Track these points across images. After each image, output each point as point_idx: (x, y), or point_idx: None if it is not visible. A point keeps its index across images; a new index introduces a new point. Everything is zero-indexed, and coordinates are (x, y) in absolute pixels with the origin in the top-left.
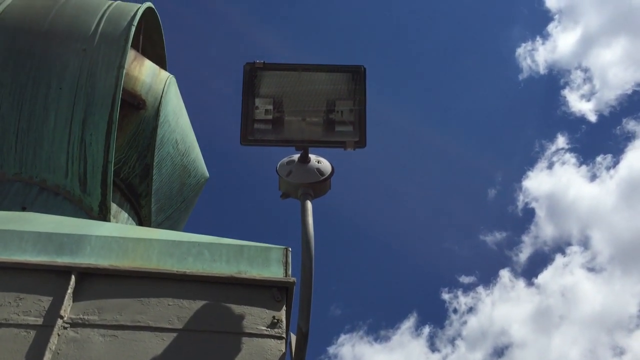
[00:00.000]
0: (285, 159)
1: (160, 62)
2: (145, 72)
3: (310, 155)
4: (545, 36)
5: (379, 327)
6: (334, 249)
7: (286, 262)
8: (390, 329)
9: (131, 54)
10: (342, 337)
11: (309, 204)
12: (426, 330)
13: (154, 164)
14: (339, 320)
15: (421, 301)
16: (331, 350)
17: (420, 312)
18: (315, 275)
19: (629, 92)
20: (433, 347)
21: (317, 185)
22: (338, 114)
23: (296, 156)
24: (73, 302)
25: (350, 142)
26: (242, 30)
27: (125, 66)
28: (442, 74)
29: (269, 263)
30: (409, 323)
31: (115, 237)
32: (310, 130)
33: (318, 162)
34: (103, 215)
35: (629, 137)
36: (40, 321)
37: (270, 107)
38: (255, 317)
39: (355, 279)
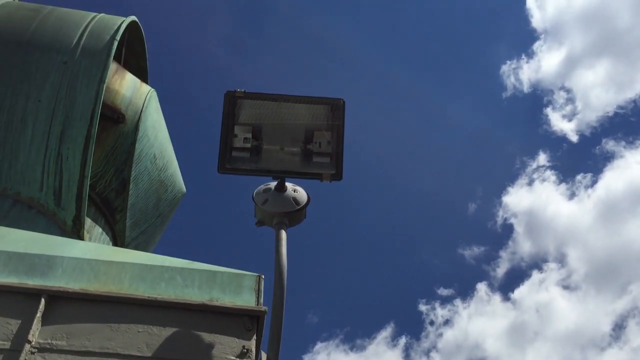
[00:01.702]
0: (262, 187)
1: (142, 73)
2: (126, 86)
3: (287, 184)
4: (530, 55)
5: (355, 335)
6: (313, 256)
7: (258, 290)
8: (367, 338)
9: (112, 66)
10: (319, 345)
11: (283, 234)
12: (402, 341)
13: (131, 178)
14: (316, 328)
15: (399, 312)
16: (307, 358)
17: (397, 322)
18: (294, 282)
19: (610, 114)
20: (408, 359)
21: (293, 215)
22: (316, 145)
23: (273, 184)
24: (42, 326)
25: (326, 174)
26: (227, 45)
27: (106, 80)
28: (427, 88)
29: (241, 290)
30: (385, 333)
31: (87, 259)
32: (288, 160)
33: (294, 192)
34: (77, 229)
35: (607, 157)
36: (7, 345)
37: (249, 135)
38: (225, 347)
39: (334, 287)
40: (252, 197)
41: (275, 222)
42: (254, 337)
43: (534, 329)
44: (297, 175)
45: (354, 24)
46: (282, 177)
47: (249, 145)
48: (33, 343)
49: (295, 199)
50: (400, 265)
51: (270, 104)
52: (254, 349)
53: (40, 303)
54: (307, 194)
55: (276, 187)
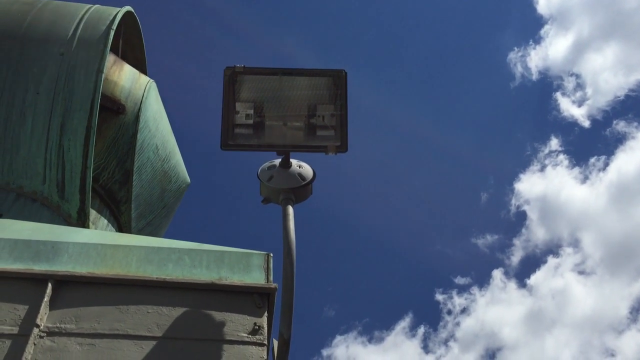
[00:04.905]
0: (267, 164)
1: (141, 66)
2: (124, 77)
3: (291, 160)
4: (538, 42)
5: (373, 327)
6: (328, 250)
7: (267, 268)
8: (385, 329)
9: (110, 58)
10: (338, 339)
11: (290, 209)
12: (420, 331)
13: (134, 169)
14: (334, 321)
15: (416, 302)
16: (325, 352)
17: (415, 312)
18: (311, 276)
19: (621, 97)
20: (427, 349)
21: (299, 190)
22: (319, 118)
23: (277, 161)
24: (50, 310)
25: (331, 146)
26: (224, 34)
27: (105, 70)
28: (435, 78)
29: (250, 269)
30: (404, 324)
31: (94, 244)
32: (291, 135)
33: (299, 167)
34: (82, 221)
35: (619, 139)
36: (15, 330)
37: (251, 111)
38: (236, 324)
39: (350, 280)
40: (257, 175)
41: (281, 198)
42: (265, 314)
43: (551, 315)
44: (302, 149)
45: (359, 14)
46: (286, 151)
47: (251, 121)
48: (41, 327)
49: (300, 175)
50: (416, 256)
51: (271, 78)
52: (265, 326)
53: (47, 288)
54: (313, 170)
55: (281, 163)
